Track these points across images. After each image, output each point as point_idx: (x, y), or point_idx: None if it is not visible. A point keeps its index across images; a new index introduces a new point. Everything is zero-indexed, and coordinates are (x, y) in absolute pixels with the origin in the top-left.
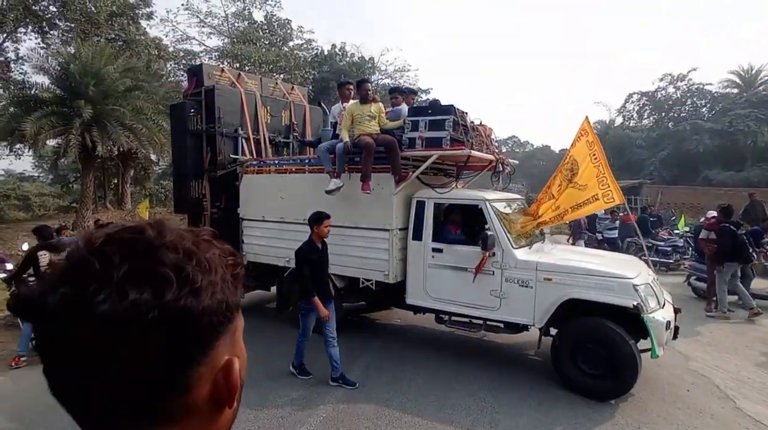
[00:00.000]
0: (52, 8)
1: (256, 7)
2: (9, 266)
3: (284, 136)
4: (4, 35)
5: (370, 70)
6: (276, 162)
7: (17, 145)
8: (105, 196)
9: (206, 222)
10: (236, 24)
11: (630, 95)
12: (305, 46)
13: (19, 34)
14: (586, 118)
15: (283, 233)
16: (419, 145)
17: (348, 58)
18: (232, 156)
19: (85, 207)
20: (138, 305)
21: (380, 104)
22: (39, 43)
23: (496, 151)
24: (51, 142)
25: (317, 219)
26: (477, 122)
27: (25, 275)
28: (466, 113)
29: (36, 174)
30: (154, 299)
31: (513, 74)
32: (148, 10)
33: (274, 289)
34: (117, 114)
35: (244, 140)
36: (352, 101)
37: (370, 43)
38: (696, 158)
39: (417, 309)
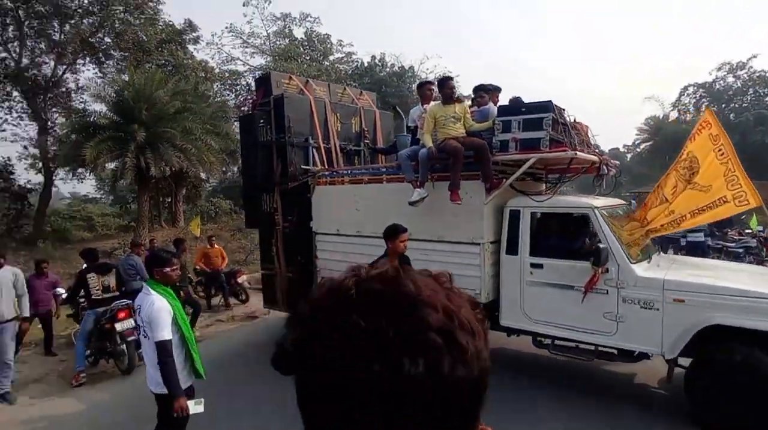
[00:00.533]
0: (107, 39)
1: (296, 24)
2: (60, 290)
3: (355, 144)
4: (65, 67)
5: (410, 79)
6: (350, 172)
7: (79, 170)
8: (160, 214)
9: (278, 237)
10: (277, 42)
11: (685, 88)
12: (345, 59)
13: (78, 66)
14: (707, 109)
15: (359, 248)
16: (513, 147)
17: (388, 69)
18: (303, 167)
19: (141, 226)
20: (414, 380)
21: (465, 104)
22: (96, 73)
23: (597, 151)
24: (109, 166)
25: (392, 233)
26: (571, 119)
27: (79, 297)
28: (565, 110)
29: (98, 196)
30: (429, 372)
31: (553, 77)
32: (194, 34)
33: None
34: (168, 136)
35: (314, 150)
36: (433, 102)
37: (409, 52)
38: (763, 150)
39: (512, 331)
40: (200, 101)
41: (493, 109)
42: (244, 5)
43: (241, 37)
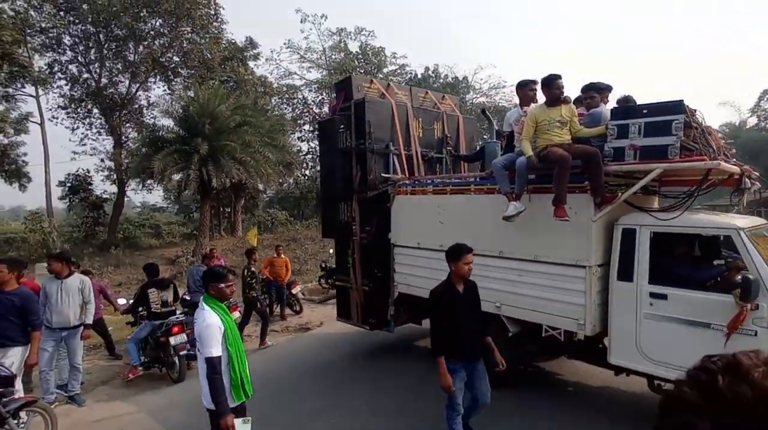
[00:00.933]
0: (176, 58)
1: (351, 38)
2: (122, 301)
3: (437, 151)
4: (138, 85)
5: (464, 90)
6: (434, 181)
7: (148, 181)
8: (220, 224)
9: (355, 248)
10: (333, 56)
11: (765, 92)
12: (399, 71)
13: (149, 83)
14: None
15: (441, 263)
16: (630, 156)
17: (441, 80)
18: (383, 175)
19: (203, 234)
20: None
21: (572, 106)
22: (165, 90)
23: (735, 160)
24: (175, 177)
25: (456, 254)
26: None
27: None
28: (697, 110)
29: (165, 205)
30: None
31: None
32: (255, 51)
33: (426, 322)
34: (228, 149)
35: (395, 157)
36: (534, 104)
37: (463, 63)
38: None
39: (622, 370)
40: (259, 115)
41: (605, 112)
42: (301, 21)
43: (298, 53)
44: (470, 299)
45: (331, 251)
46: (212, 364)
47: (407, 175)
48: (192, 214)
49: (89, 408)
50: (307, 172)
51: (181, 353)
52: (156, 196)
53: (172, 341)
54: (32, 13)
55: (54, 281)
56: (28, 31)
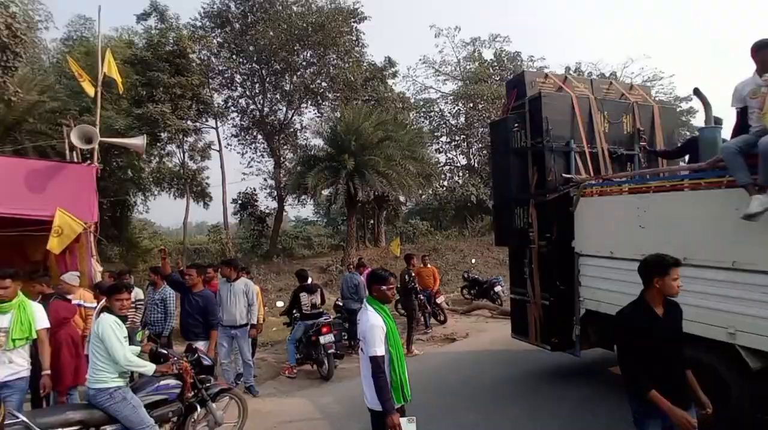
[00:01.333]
0: (324, 84)
1: (485, 47)
2: (280, 303)
3: (627, 147)
4: (293, 111)
5: None
6: (633, 179)
7: (302, 196)
8: (365, 235)
9: (532, 257)
10: (467, 66)
11: None
12: None
13: (302, 109)
14: None
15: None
16: None
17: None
18: (564, 176)
19: (350, 245)
20: None
21: None
22: (315, 114)
23: None
24: (325, 192)
25: (660, 266)
26: None
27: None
28: None
29: (315, 219)
30: None
31: None
32: (393, 70)
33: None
34: (372, 163)
35: (577, 155)
36: None
37: (608, 58)
38: None
39: None
40: (399, 129)
41: None
42: (436, 36)
43: (433, 67)
44: (673, 325)
45: (473, 261)
46: (377, 362)
47: (592, 175)
48: (339, 226)
49: (261, 399)
50: (445, 182)
51: (330, 351)
52: (308, 210)
53: (322, 340)
54: (212, 59)
55: (225, 284)
56: (210, 74)
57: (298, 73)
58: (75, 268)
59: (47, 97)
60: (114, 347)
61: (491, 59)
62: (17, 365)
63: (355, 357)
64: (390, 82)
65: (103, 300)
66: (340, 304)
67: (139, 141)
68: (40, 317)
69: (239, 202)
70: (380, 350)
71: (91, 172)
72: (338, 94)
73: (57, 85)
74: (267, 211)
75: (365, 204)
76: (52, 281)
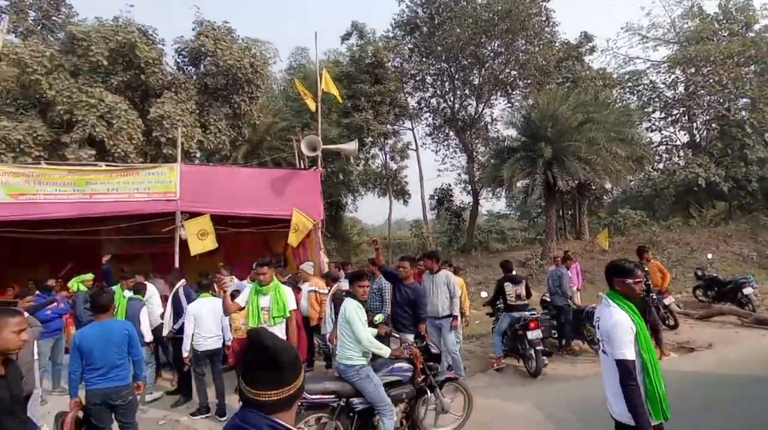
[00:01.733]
0: (513, 72)
1: None
2: (483, 294)
3: None
4: (482, 104)
5: None
6: None
7: (497, 189)
8: (564, 227)
9: None
10: (684, 25)
11: None
12: None
13: (491, 101)
14: None
15: None
16: None
17: None
18: None
19: (549, 238)
20: None
21: None
22: (506, 104)
23: None
24: (519, 183)
25: None
26: None
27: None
28: None
29: (508, 212)
30: None
31: None
32: (590, 45)
33: None
34: (572, 149)
35: None
36: None
37: None
38: None
39: None
40: (602, 110)
41: None
42: None
43: (639, 33)
44: None
45: (710, 256)
46: (626, 367)
47: None
48: (535, 219)
49: (474, 392)
50: (660, 165)
51: (538, 348)
52: (500, 204)
53: (529, 335)
54: (404, 65)
55: (428, 276)
56: (404, 79)
57: (486, 66)
58: (306, 259)
59: (279, 118)
60: (359, 329)
61: (715, 12)
62: None
63: (567, 358)
64: (587, 59)
65: (334, 286)
66: (547, 299)
67: (351, 146)
68: (291, 299)
69: (436, 198)
70: (629, 353)
71: (317, 176)
72: (529, 81)
73: (284, 108)
74: (462, 205)
75: (564, 194)
76: (290, 269)
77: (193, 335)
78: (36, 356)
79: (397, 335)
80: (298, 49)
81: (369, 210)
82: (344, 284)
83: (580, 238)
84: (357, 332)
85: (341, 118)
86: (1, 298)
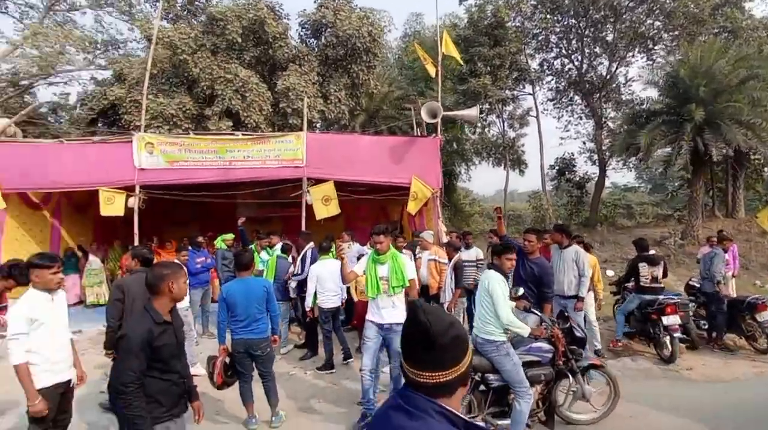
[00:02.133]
0: (657, 23)
1: None
2: (610, 273)
3: None
4: (616, 63)
5: None
6: None
7: (630, 158)
8: (713, 202)
9: None
10: None
11: None
12: None
13: (627, 59)
14: None
15: None
16: None
17: None
18: None
19: (694, 215)
20: None
21: None
22: (645, 61)
23: None
24: (659, 152)
25: None
26: None
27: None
28: None
29: (637, 184)
30: None
31: None
32: None
33: None
34: (730, 111)
35: None
36: None
37: None
38: None
39: None
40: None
41: None
42: None
43: None
44: None
45: None
46: None
47: None
48: (674, 192)
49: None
50: None
51: (675, 334)
52: (627, 176)
53: (665, 320)
54: (526, 24)
55: (556, 251)
56: (525, 39)
57: (623, 18)
58: (423, 227)
59: (394, 87)
60: (500, 304)
61: None
62: (401, 311)
63: (718, 354)
64: (747, 5)
65: (456, 256)
66: (696, 284)
67: (473, 112)
68: (410, 268)
69: (556, 167)
70: None
71: (436, 143)
72: (677, 32)
73: (399, 76)
74: (586, 176)
75: (716, 164)
76: (406, 238)
77: (316, 293)
78: (188, 305)
79: (538, 313)
80: (413, 15)
81: (478, 180)
82: (465, 254)
83: (733, 216)
84: (498, 308)
85: (457, 84)
86: (164, 253)
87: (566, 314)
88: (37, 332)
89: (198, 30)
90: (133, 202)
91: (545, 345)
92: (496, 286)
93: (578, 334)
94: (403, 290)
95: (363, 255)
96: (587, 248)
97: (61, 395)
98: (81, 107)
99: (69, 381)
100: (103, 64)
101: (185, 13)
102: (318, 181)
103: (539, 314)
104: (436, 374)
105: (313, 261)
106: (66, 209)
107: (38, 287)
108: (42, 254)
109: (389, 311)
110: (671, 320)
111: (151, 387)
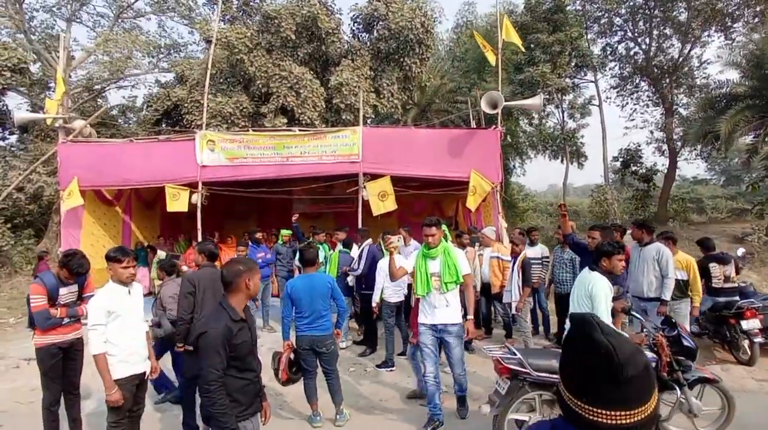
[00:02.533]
0: (734, 1)
1: None
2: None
3: None
4: (689, 45)
5: None
6: None
7: (707, 148)
8: None
9: None
10: None
11: None
12: None
13: (702, 39)
14: None
15: None
16: None
17: None
18: None
19: None
20: None
21: None
22: (723, 42)
23: None
24: (745, 139)
25: None
26: None
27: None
28: None
29: (708, 176)
30: None
31: None
32: None
33: None
34: None
35: None
36: None
37: None
38: None
39: None
40: None
41: None
42: None
43: None
44: None
45: None
46: None
47: None
48: (756, 184)
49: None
50: None
51: (756, 339)
52: (697, 168)
53: (744, 325)
54: (587, 6)
55: (635, 249)
56: (586, 23)
57: None
58: (480, 223)
59: (446, 80)
60: (601, 311)
61: None
62: (455, 310)
63: None
64: None
65: (522, 253)
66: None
67: (536, 101)
68: (464, 262)
69: (621, 159)
70: None
71: (496, 135)
72: (762, 7)
73: (451, 69)
74: (653, 168)
75: None
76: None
77: (383, 288)
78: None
79: (639, 317)
80: (465, 4)
81: (531, 175)
82: (530, 251)
83: None
84: (598, 314)
85: (513, 74)
86: (225, 247)
87: (674, 320)
88: (114, 323)
89: (253, 29)
90: (196, 198)
91: (648, 354)
92: (600, 292)
93: (687, 343)
94: (458, 287)
95: None
96: (673, 242)
97: (136, 387)
98: (147, 109)
99: (143, 373)
100: (166, 67)
101: (241, 13)
102: (374, 177)
103: (640, 318)
104: (617, 414)
105: (372, 257)
106: (135, 205)
107: (115, 280)
108: (116, 248)
109: (443, 310)
110: (751, 324)
111: (230, 386)
